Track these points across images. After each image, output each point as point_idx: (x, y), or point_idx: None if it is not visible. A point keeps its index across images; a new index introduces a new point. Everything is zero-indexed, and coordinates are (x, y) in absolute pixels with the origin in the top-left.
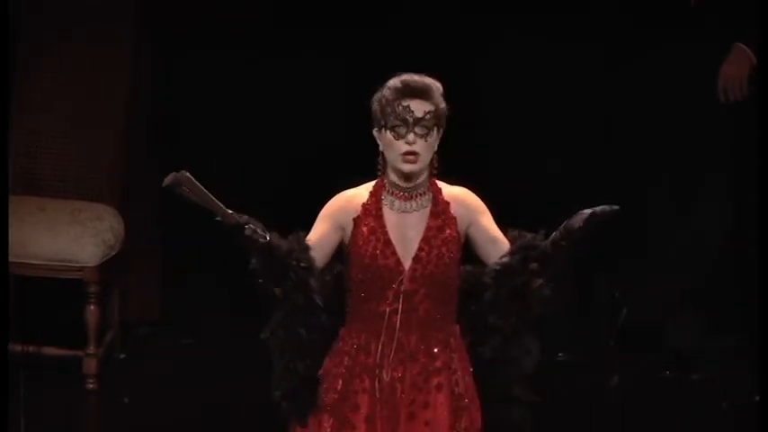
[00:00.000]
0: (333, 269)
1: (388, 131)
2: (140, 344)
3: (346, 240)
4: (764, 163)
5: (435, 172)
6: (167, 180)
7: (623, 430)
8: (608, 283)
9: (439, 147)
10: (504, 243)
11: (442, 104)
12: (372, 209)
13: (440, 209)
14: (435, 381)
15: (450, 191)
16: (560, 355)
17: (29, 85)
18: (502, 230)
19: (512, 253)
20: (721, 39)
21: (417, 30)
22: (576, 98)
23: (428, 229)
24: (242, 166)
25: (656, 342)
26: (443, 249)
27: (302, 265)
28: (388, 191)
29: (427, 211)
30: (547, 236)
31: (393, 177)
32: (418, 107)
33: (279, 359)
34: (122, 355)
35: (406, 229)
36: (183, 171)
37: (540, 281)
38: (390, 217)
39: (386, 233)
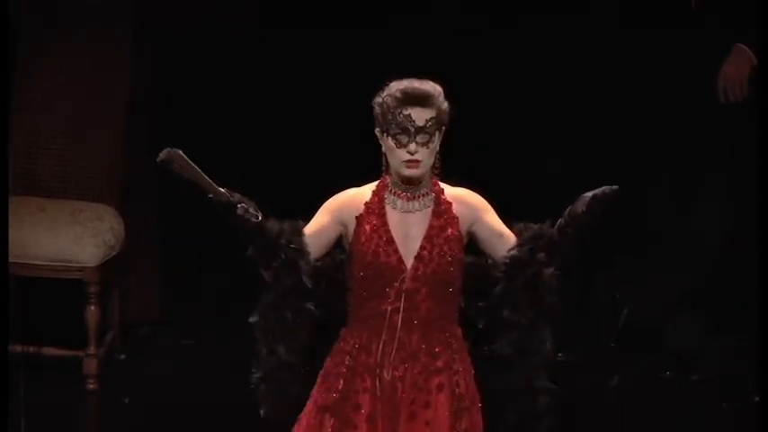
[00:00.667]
0: (329, 259)
1: (389, 138)
2: (141, 344)
3: (348, 238)
4: (764, 163)
5: (437, 172)
6: (161, 156)
7: (623, 430)
8: (608, 283)
9: (440, 147)
10: (510, 237)
11: (444, 105)
12: (375, 207)
13: (442, 208)
14: (436, 380)
15: (452, 191)
16: (560, 355)
17: (29, 85)
18: (507, 225)
19: (520, 245)
20: (722, 39)
21: (417, 30)
22: (576, 98)
23: (430, 228)
24: (242, 166)
25: (656, 342)
26: (445, 248)
27: (292, 246)
28: (391, 190)
29: (429, 210)
30: (552, 224)
31: (396, 178)
32: (419, 116)
33: (262, 341)
34: (123, 356)
35: (408, 227)
36: (176, 149)
37: (549, 270)
38: (393, 216)
39: (388, 231)
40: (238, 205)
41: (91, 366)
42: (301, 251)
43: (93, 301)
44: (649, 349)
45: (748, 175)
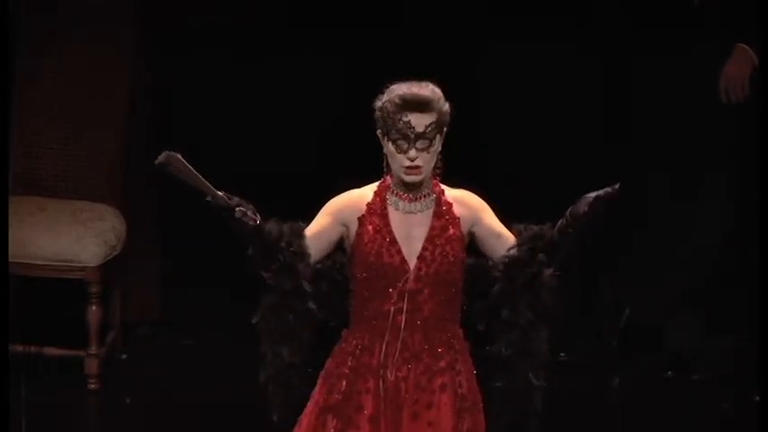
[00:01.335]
0: (330, 260)
1: (390, 142)
2: (142, 344)
3: (350, 240)
4: (764, 163)
5: (439, 172)
6: (159, 159)
7: (624, 430)
8: (609, 283)
9: (442, 148)
10: (509, 237)
11: (445, 108)
12: (377, 208)
13: (443, 209)
14: (439, 381)
15: (452, 192)
16: (562, 355)
17: (29, 86)
18: (506, 226)
19: (519, 245)
20: (723, 39)
21: (418, 30)
22: (576, 98)
23: (432, 228)
24: (242, 166)
25: (656, 342)
26: (447, 248)
27: (291, 249)
28: (393, 191)
29: (431, 211)
30: (553, 225)
31: (397, 180)
32: (419, 121)
33: (265, 344)
34: (124, 356)
35: (410, 228)
36: (174, 152)
37: (549, 271)
38: (395, 216)
39: (391, 232)
40: (236, 208)
41: (92, 366)
42: (301, 254)
43: (94, 300)
44: (650, 349)
45: (749, 175)
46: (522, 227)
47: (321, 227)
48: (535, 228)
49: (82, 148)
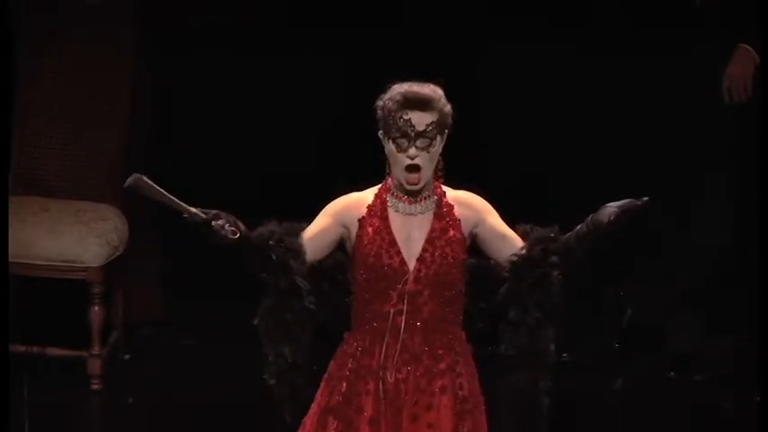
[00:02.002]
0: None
1: (390, 141)
2: (144, 344)
3: (350, 241)
4: (765, 163)
5: (440, 174)
6: (127, 182)
7: (625, 430)
8: (611, 283)
9: (443, 149)
10: (514, 238)
11: (446, 108)
12: (377, 210)
13: (444, 211)
14: (439, 383)
15: (453, 194)
16: (564, 355)
17: (30, 86)
18: (510, 227)
19: (531, 246)
20: (725, 39)
21: (418, 30)
22: (577, 99)
23: (432, 230)
24: (243, 166)
25: (658, 343)
26: (447, 250)
27: (283, 245)
28: (394, 193)
29: (431, 213)
30: (561, 228)
31: (398, 182)
32: (420, 120)
33: (267, 345)
34: (126, 356)
35: (410, 230)
36: (141, 175)
37: (558, 273)
38: (395, 218)
39: (391, 233)
40: (213, 222)
41: (94, 366)
42: (293, 250)
43: (96, 301)
44: (651, 349)
45: (749, 175)
46: (527, 227)
47: (320, 227)
48: (544, 229)
49: (83, 148)
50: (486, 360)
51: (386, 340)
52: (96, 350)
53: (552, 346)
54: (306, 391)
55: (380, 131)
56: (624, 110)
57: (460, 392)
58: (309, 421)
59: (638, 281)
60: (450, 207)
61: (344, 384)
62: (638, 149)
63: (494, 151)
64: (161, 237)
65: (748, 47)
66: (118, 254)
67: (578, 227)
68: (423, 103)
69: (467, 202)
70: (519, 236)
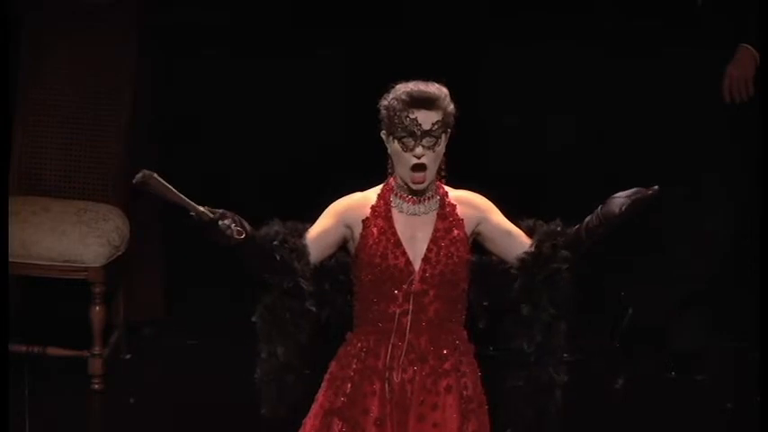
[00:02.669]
0: (333, 260)
1: (395, 141)
2: (145, 344)
3: (354, 242)
4: (765, 163)
5: (443, 174)
6: (136, 178)
7: (627, 430)
8: (613, 283)
9: (446, 149)
10: (520, 234)
11: (450, 108)
12: (381, 210)
13: (447, 211)
14: (444, 382)
15: (455, 194)
16: (565, 355)
17: (30, 86)
18: (514, 223)
19: (540, 241)
20: (726, 39)
21: (419, 30)
22: (577, 99)
23: (436, 230)
24: (243, 166)
25: (660, 343)
26: (452, 249)
27: (287, 245)
28: (397, 194)
29: (435, 213)
30: (563, 223)
31: (401, 182)
32: (426, 119)
33: (261, 342)
34: (127, 356)
35: (414, 230)
36: (151, 172)
37: (568, 267)
38: (399, 219)
39: (395, 234)
40: (219, 222)
41: (96, 366)
42: (298, 251)
43: (97, 301)
44: (653, 350)
45: (751, 175)
46: (531, 223)
47: (323, 228)
48: (549, 224)
49: (84, 148)
50: (486, 360)
51: (392, 341)
52: (97, 350)
53: (564, 341)
54: (294, 393)
55: (384, 131)
56: (625, 110)
57: (465, 392)
58: (311, 422)
59: (639, 281)
60: (453, 207)
61: (349, 385)
62: (639, 149)
63: (494, 151)
64: (162, 237)
65: (749, 46)
66: (119, 254)
67: (587, 219)
68: (429, 102)
69: (469, 201)
70: (524, 232)
